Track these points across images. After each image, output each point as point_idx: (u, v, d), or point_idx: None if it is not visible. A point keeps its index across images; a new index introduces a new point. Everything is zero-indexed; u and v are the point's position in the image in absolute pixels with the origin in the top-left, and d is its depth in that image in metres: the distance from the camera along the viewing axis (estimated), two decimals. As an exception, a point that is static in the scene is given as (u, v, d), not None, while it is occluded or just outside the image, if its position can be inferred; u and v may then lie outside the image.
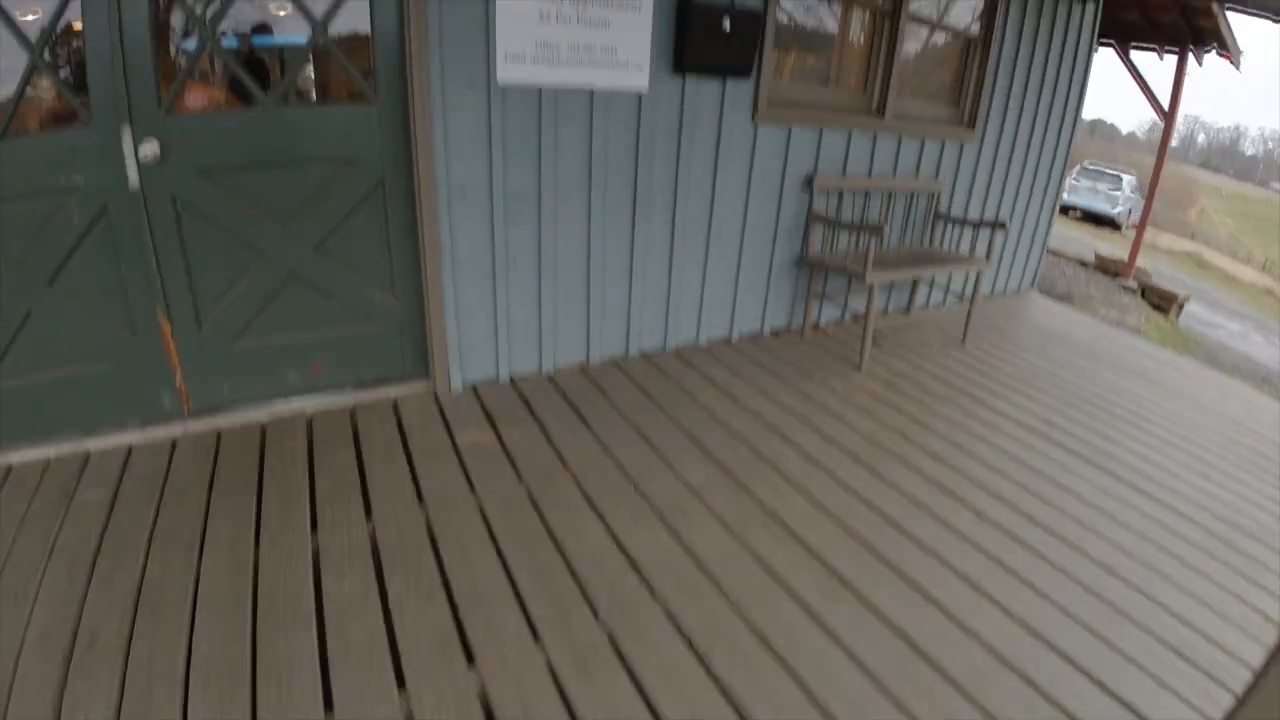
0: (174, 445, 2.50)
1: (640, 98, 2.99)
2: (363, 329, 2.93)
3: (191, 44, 2.44)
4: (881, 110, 3.91)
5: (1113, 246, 12.38)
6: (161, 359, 2.54)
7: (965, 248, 4.87)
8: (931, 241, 4.66)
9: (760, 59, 3.20)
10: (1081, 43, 5.23)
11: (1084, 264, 9.83)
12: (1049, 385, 3.91)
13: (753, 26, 3.06)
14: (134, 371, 2.52)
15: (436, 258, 2.83)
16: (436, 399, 3.01)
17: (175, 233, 2.40)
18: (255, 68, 2.67)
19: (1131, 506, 2.71)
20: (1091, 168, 18.57)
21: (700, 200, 3.39)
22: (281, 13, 2.77)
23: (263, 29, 2.85)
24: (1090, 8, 5.12)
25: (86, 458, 2.39)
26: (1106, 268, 9.73)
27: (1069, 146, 5.63)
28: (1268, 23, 4.69)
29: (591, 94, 2.88)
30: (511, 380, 3.19)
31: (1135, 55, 8.43)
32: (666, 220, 3.33)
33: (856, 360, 3.79)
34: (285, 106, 2.52)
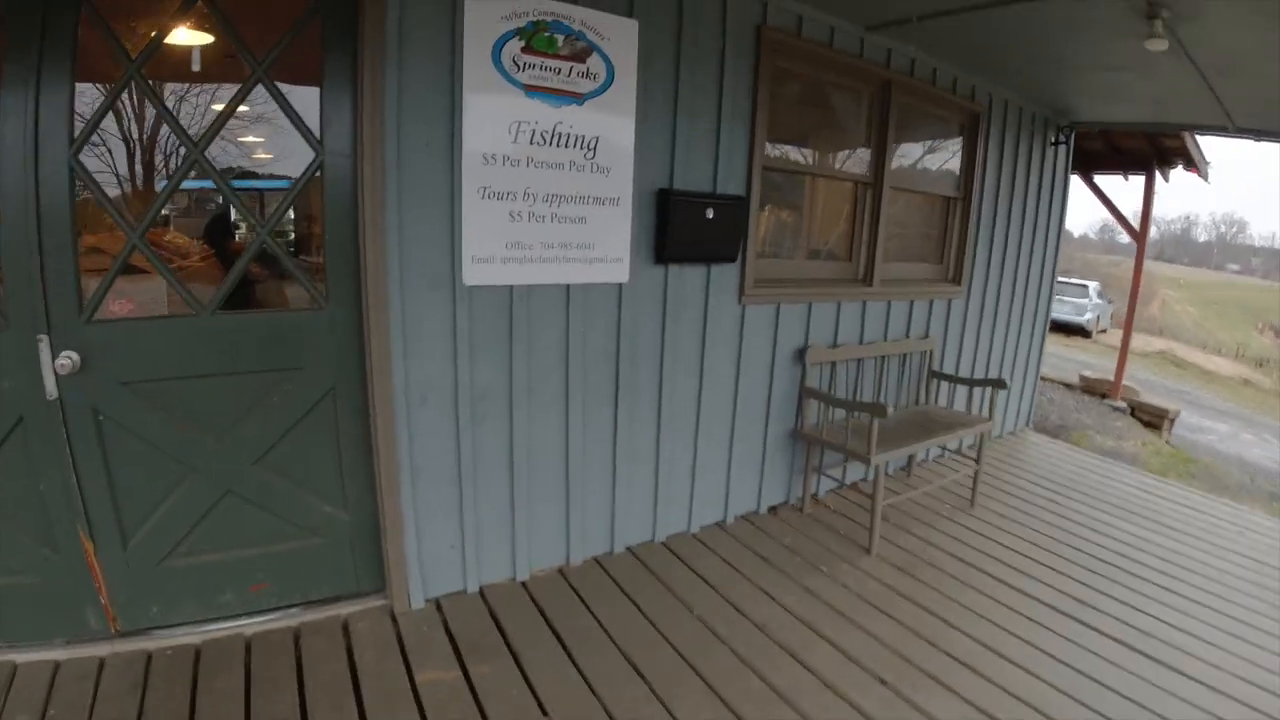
0: (102, 665, 2.17)
1: (621, 288, 2.76)
2: (309, 544, 2.57)
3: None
4: (869, 278, 3.73)
5: (1088, 357, 12.33)
6: (85, 577, 2.24)
7: (963, 403, 4.63)
8: (928, 399, 4.40)
9: (745, 244, 3.00)
10: (1056, 183, 5.26)
11: (1069, 386, 9.67)
12: (1071, 550, 3.56)
13: (736, 213, 2.89)
14: (58, 588, 2.22)
15: (393, 470, 2.49)
16: (394, 618, 2.58)
17: (97, 447, 2.15)
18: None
19: (1176, 697, 2.40)
20: (1057, 280, 18.91)
21: (688, 383, 3.11)
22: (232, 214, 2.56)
23: (213, 227, 2.62)
24: (1062, 150, 5.16)
25: (14, 670, 2.12)
26: (1093, 389, 9.56)
27: (1051, 283, 5.56)
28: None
29: (568, 288, 2.64)
30: (480, 592, 2.77)
31: (1099, 178, 8.56)
32: (652, 406, 3.03)
33: (864, 540, 3.42)
34: (223, 312, 2.28)
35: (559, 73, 2.44)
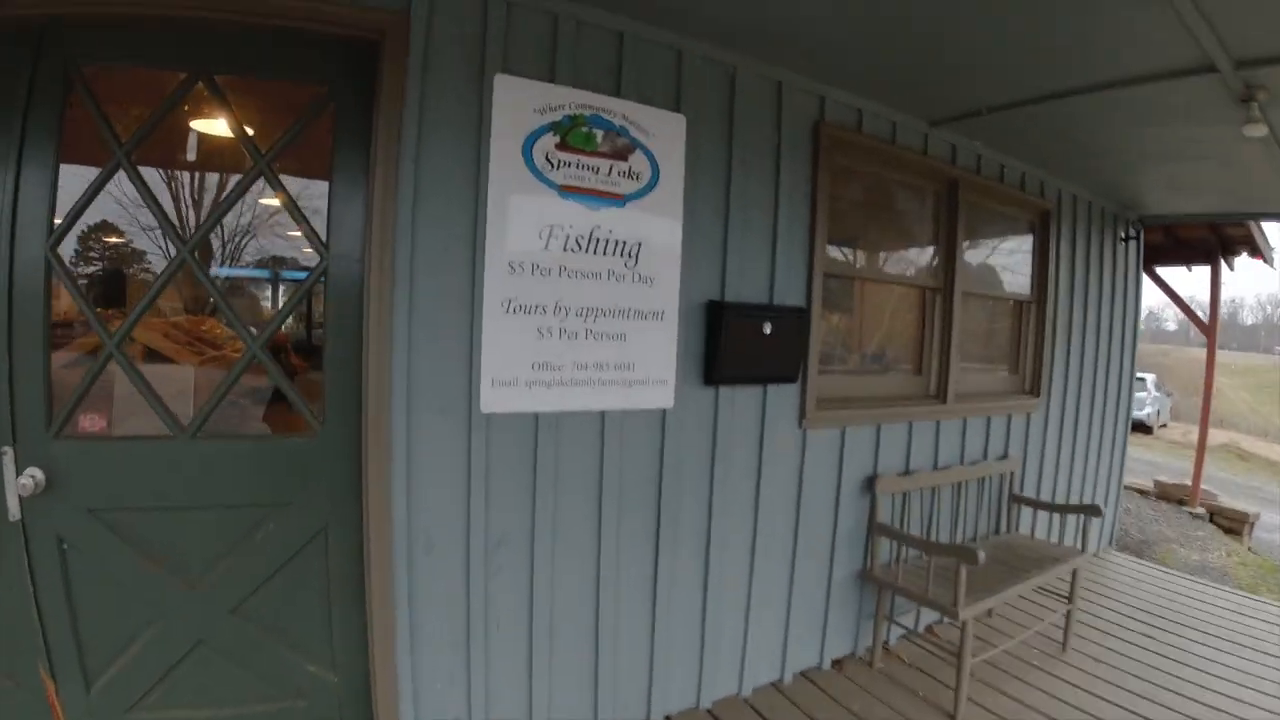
0: None
1: (664, 414, 2.32)
2: (291, 706, 2.11)
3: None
4: (942, 394, 3.24)
5: (1154, 455, 11.41)
6: (46, 716, 1.90)
7: (1045, 528, 4.00)
8: (1009, 526, 3.79)
9: (806, 361, 2.56)
10: (1130, 280, 4.81)
11: (1144, 493, 8.82)
12: (1176, 698, 2.94)
13: (796, 327, 2.47)
14: (18, 725, 1.84)
15: (389, 627, 2.02)
16: (381, 811, 2.03)
17: (60, 578, 1.85)
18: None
19: None
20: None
21: (740, 522, 2.60)
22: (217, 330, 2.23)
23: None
24: (1133, 245, 4.72)
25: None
26: (1169, 495, 8.73)
27: (1131, 389, 4.98)
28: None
29: (603, 415, 2.20)
30: (487, 778, 2.20)
31: (1160, 270, 8.03)
32: (698, 551, 2.52)
33: (948, 704, 2.77)
34: (203, 436, 1.94)
35: (598, 171, 2.11)
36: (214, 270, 3.25)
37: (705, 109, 2.37)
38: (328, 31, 1.93)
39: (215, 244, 2.78)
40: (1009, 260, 3.88)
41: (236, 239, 3.18)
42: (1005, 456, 3.76)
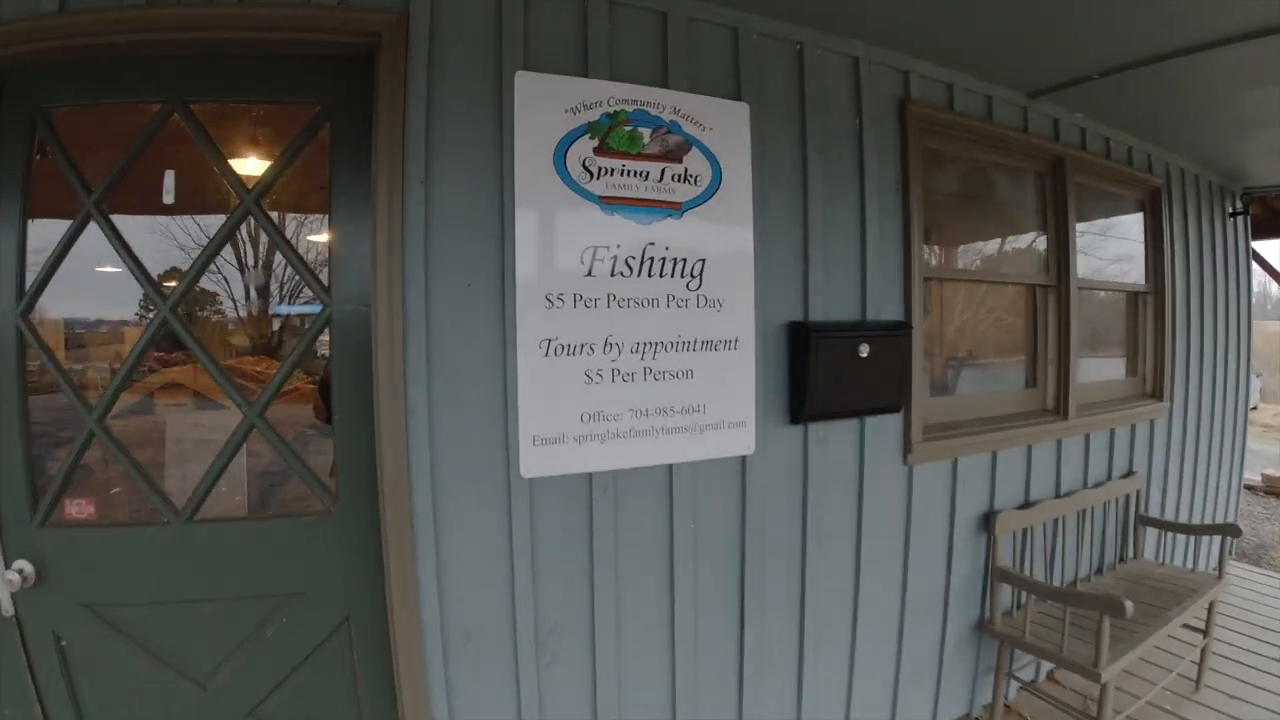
0: None
1: (744, 463, 1.85)
2: None
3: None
4: (1062, 408, 2.66)
5: (1251, 443, 10.23)
6: None
7: (1169, 550, 3.38)
8: (1134, 552, 3.16)
9: (909, 383, 2.05)
10: (1241, 260, 4.10)
11: (1250, 488, 7.81)
12: None
13: (898, 347, 1.97)
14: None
15: (427, 735, 1.60)
16: None
17: (62, 677, 1.59)
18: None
19: None
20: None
21: (837, 585, 2.10)
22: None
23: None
24: (1241, 221, 4.03)
25: None
26: (1277, 489, 7.71)
27: (1247, 382, 4.25)
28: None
29: (670, 469, 1.75)
30: None
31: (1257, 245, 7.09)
32: (790, 621, 2.03)
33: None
34: (202, 521, 1.61)
35: (647, 177, 1.67)
36: (275, 308, 3.01)
37: (770, 94, 1.91)
38: (314, 40, 1.58)
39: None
40: (1119, 246, 3.27)
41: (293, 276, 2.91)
42: (1130, 473, 3.14)
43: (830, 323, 1.90)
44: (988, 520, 2.45)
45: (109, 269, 1.66)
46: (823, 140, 1.98)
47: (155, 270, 1.67)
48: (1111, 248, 3.17)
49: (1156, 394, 3.27)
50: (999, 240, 2.76)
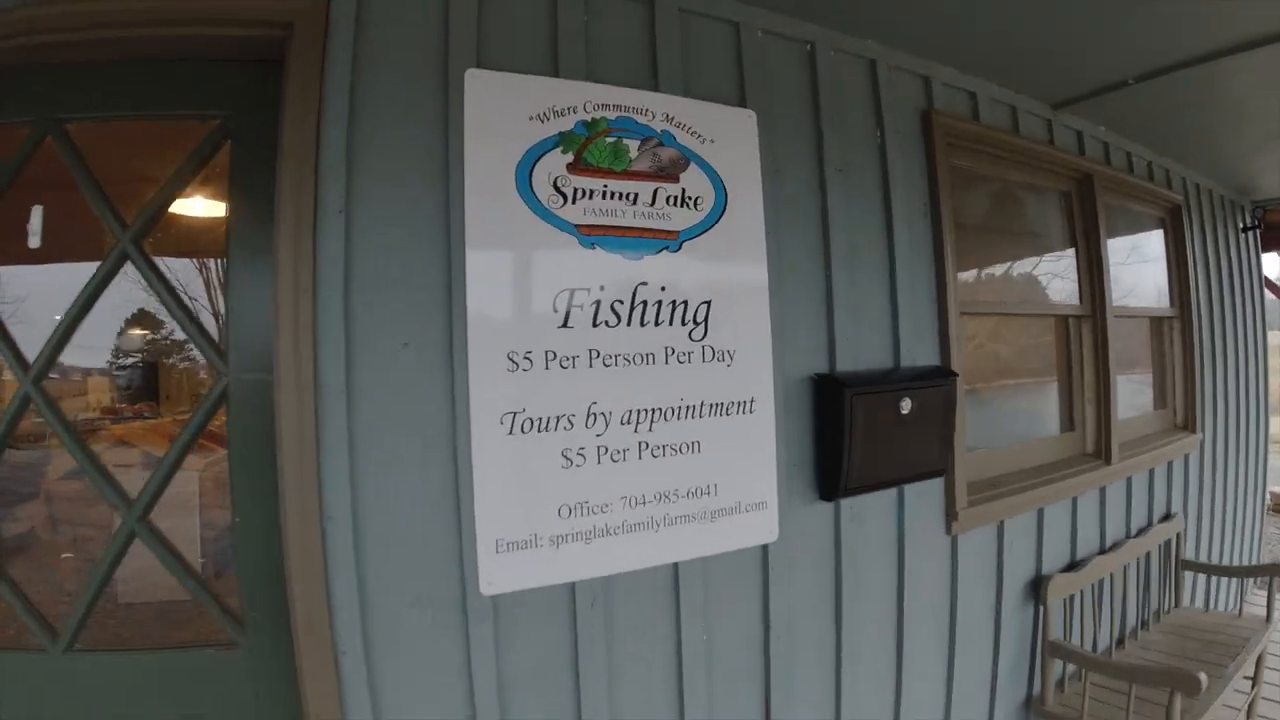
0: None
1: (765, 552, 1.43)
2: None
3: None
4: (1105, 452, 2.29)
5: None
6: None
7: (1204, 594, 3.01)
8: (1174, 600, 2.78)
9: (953, 441, 1.65)
10: (1255, 276, 3.81)
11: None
12: None
13: (942, 398, 1.57)
14: None
15: None
16: None
17: None
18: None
19: None
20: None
21: (876, 688, 1.67)
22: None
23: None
24: (1253, 236, 3.76)
25: None
26: None
27: (1267, 401, 3.93)
28: None
29: (676, 569, 1.33)
30: None
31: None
32: (822, 730, 1.59)
33: None
34: (82, 649, 1.21)
35: (635, 200, 1.28)
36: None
37: (780, 100, 1.54)
38: (215, 37, 1.19)
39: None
40: (1141, 269, 2.93)
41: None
42: (1169, 516, 2.76)
43: (863, 373, 1.51)
44: (1036, 587, 2.05)
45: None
46: (842, 155, 1.61)
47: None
48: (1132, 270, 2.83)
49: (1189, 426, 2.91)
50: (1026, 266, 2.40)
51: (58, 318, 1.24)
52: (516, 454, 1.17)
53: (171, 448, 1.24)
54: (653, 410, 1.26)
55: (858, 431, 1.39)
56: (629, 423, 1.24)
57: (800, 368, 1.46)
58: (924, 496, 1.66)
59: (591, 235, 1.23)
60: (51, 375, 1.24)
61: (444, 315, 1.15)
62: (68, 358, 1.27)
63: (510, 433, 1.16)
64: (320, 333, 1.09)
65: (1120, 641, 2.44)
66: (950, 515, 1.72)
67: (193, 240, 1.36)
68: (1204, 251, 3.18)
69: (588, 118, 1.26)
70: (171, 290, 1.25)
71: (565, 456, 1.20)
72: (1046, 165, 2.22)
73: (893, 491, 1.59)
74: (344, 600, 1.11)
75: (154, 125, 1.34)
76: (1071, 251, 2.38)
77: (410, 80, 1.18)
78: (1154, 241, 2.97)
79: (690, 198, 1.34)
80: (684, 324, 1.30)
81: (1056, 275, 2.38)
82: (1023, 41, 1.82)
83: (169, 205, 1.28)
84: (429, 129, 1.17)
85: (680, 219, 1.32)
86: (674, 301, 1.30)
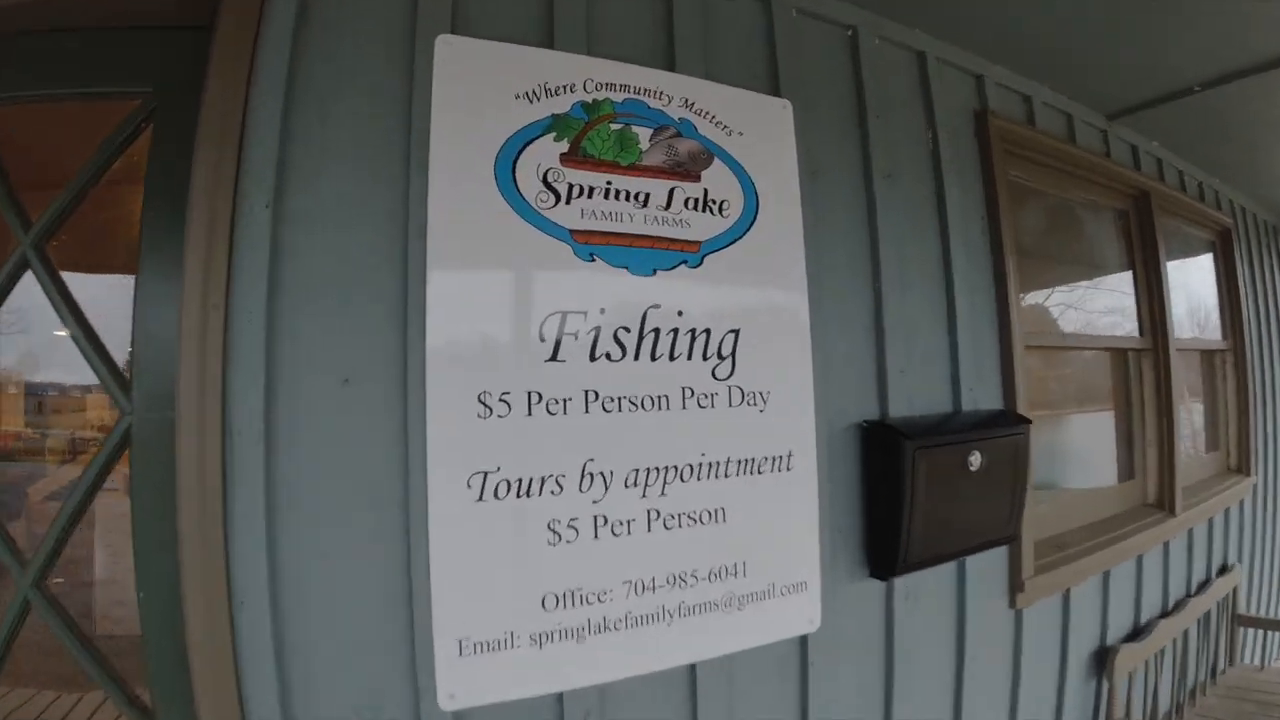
0: None
1: (804, 643, 1.11)
2: None
3: None
4: (1168, 503, 1.97)
5: None
6: None
7: (1255, 649, 2.66)
8: (1230, 658, 2.44)
9: (1024, 502, 1.33)
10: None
11: None
12: None
13: (1014, 450, 1.26)
14: None
15: None
16: None
17: None
18: None
19: None
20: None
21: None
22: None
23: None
24: None
25: None
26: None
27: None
28: None
29: (694, 670, 1.01)
30: None
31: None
32: None
33: None
34: None
35: (646, 202, 0.99)
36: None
37: (818, 91, 1.25)
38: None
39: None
40: (1185, 296, 2.62)
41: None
42: (1226, 568, 2.43)
43: (920, 420, 1.20)
44: (1101, 659, 1.73)
45: None
46: (889, 159, 1.32)
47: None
48: (1188, 297, 2.52)
49: (1243, 469, 2.59)
50: (1079, 292, 2.09)
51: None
52: (487, 526, 0.86)
53: (65, 502, 0.95)
54: (666, 469, 0.96)
55: (919, 493, 1.08)
56: (635, 485, 0.94)
57: (847, 413, 1.16)
58: (986, 567, 1.34)
59: (590, 244, 0.94)
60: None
61: (398, 343, 0.86)
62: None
63: (480, 498, 0.86)
64: (233, 362, 0.80)
65: (1179, 709, 2.11)
66: (1015, 587, 1.40)
67: (108, 247, 1.09)
68: (1251, 279, 2.88)
69: (588, 98, 0.97)
70: (71, 303, 0.96)
71: (552, 530, 0.89)
72: (1103, 180, 1.92)
73: (952, 566, 1.27)
74: (261, 713, 0.81)
75: (68, 106, 1.07)
76: (1126, 276, 2.08)
77: (366, 44, 0.90)
78: (1195, 267, 2.67)
79: (714, 201, 1.05)
80: (706, 358, 1.00)
81: (1109, 302, 2.07)
82: (1083, 40, 1.55)
83: (80, 202, 1.01)
84: (388, 105, 0.89)
85: (702, 227, 1.03)
86: (693, 330, 1.00)
